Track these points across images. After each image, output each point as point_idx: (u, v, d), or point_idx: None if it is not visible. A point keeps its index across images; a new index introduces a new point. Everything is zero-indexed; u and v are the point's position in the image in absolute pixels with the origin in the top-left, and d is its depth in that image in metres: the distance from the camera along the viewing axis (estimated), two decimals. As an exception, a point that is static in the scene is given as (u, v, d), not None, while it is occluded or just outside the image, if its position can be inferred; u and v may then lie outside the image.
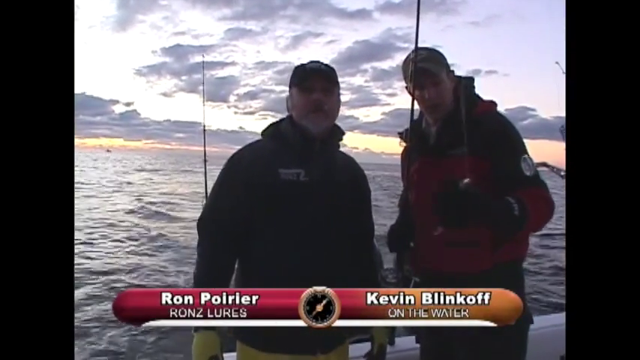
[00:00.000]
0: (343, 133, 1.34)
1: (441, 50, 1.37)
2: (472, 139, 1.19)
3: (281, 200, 1.20)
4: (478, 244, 1.23)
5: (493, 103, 1.35)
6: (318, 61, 1.29)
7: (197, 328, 1.15)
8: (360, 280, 1.28)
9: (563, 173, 0.95)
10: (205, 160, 2.18)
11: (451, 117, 1.30)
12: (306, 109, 1.23)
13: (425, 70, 1.29)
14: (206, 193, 2.16)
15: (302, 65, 1.28)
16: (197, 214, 1.32)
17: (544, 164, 0.95)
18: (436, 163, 1.31)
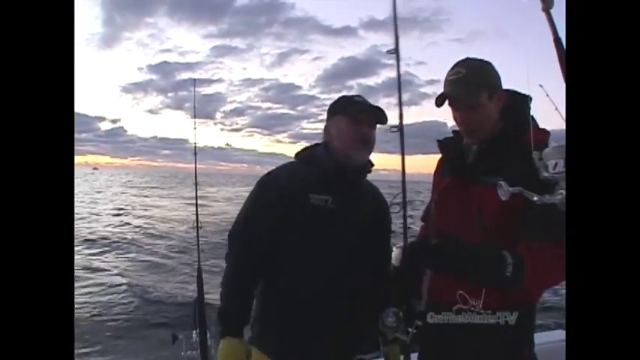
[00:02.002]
0: (373, 165, 1.39)
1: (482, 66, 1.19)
2: (512, 171, 1.06)
3: (308, 223, 1.25)
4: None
5: (546, 133, 1.16)
6: (362, 96, 1.35)
7: (223, 334, 1.23)
8: (378, 304, 1.29)
9: (535, 198, 0.94)
10: (196, 175, 2.17)
11: (495, 140, 1.18)
12: (355, 140, 1.29)
13: (454, 97, 1.18)
14: (196, 209, 2.14)
15: (350, 98, 1.34)
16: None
17: (519, 191, 0.92)
18: (467, 187, 1.18)
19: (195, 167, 2.17)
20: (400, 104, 1.13)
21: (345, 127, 1.30)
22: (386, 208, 1.42)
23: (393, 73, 1.15)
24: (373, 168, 1.39)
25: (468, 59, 1.21)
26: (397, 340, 1.19)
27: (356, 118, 1.30)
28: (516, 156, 1.08)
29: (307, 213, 1.25)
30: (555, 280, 1.07)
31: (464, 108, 1.18)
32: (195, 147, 2.12)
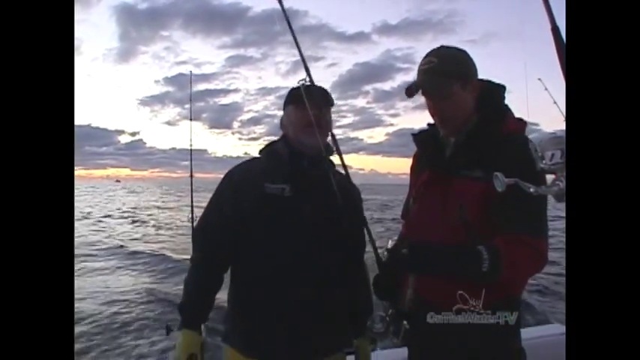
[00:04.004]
0: (332, 150, 1.34)
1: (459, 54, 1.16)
2: (492, 163, 1.02)
3: (265, 214, 1.24)
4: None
5: (522, 122, 1.16)
6: (313, 84, 1.33)
7: (181, 326, 1.26)
8: (350, 291, 1.33)
9: (532, 190, 0.93)
10: (192, 178, 2.16)
11: (473, 132, 1.15)
12: (303, 123, 1.28)
13: (425, 87, 1.16)
14: (192, 214, 2.14)
15: (297, 87, 1.33)
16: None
17: (515, 181, 0.91)
18: (447, 181, 1.15)
19: (191, 162, 2.16)
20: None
21: (293, 114, 1.32)
22: (356, 197, 1.37)
23: (408, 78, 1.13)
24: (384, 176, 1.35)
25: (441, 48, 1.17)
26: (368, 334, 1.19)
27: (300, 103, 1.28)
28: (495, 147, 1.07)
29: (263, 203, 1.24)
30: (531, 272, 1.09)
31: (436, 98, 1.16)
32: (190, 141, 2.11)
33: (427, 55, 1.17)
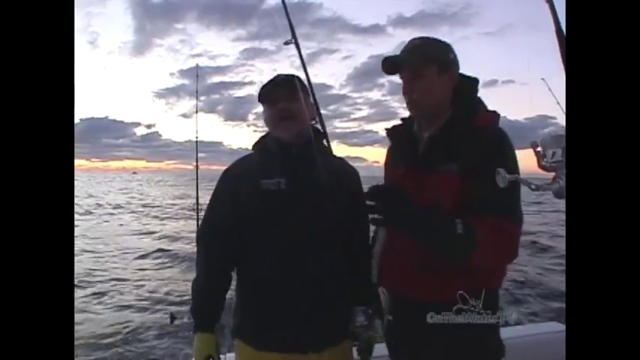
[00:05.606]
0: (324, 137, 1.38)
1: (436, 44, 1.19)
2: (466, 158, 1.06)
3: (264, 210, 1.24)
4: (452, 271, 1.10)
5: (495, 115, 1.18)
6: (280, 74, 1.34)
7: (195, 330, 1.25)
8: (354, 281, 1.29)
9: (534, 187, 0.93)
10: (197, 172, 2.19)
11: (447, 127, 1.17)
12: (275, 118, 1.30)
13: (398, 61, 1.19)
14: (197, 207, 2.16)
15: (265, 84, 1.34)
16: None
17: (516, 178, 0.92)
18: (422, 176, 1.16)
19: (197, 151, 2.19)
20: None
21: (265, 112, 1.33)
22: (354, 180, 1.37)
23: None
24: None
25: (427, 37, 1.22)
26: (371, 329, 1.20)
27: (268, 98, 1.31)
28: (468, 141, 1.09)
29: (262, 199, 1.24)
30: (504, 252, 1.08)
31: (409, 76, 1.18)
32: (196, 133, 2.13)
33: (412, 40, 1.21)
